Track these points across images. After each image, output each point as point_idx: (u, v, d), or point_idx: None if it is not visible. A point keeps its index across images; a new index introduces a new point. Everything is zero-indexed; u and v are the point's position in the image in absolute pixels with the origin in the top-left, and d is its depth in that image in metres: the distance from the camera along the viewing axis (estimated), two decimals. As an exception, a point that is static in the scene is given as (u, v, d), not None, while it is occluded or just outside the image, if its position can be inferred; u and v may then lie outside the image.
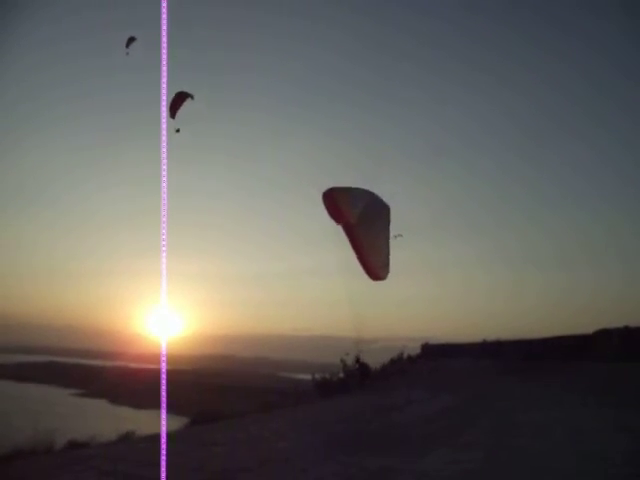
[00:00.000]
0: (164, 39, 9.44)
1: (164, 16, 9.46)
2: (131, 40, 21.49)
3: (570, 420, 17.64)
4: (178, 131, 19.66)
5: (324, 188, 12.45)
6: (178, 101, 19.19)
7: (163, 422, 9.11)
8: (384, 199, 12.83)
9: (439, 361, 48.21)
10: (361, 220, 11.95)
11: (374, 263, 12.23)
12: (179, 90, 19.36)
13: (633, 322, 42.25)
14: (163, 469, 8.51)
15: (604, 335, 41.40)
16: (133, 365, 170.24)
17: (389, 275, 12.47)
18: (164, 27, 9.48)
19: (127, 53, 21.64)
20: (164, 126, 9.67)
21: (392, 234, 12.53)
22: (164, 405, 8.90)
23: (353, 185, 12.53)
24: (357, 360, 12.38)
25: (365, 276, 12.29)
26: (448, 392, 27.46)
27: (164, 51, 9.42)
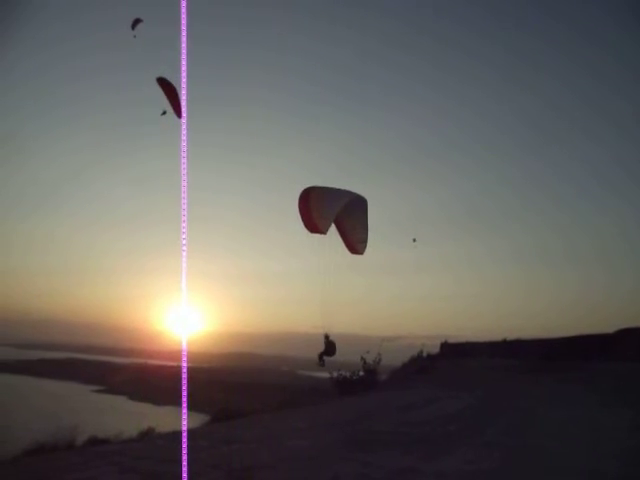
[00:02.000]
0: (183, 36, 9.45)
1: (183, 11, 9.48)
2: (137, 22, 21.34)
3: (590, 420, 17.54)
4: (164, 113, 19.56)
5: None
6: (172, 93, 18.96)
7: (184, 419, 9.16)
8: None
9: (458, 360, 48.00)
10: (337, 219, 12.98)
11: (353, 240, 13.66)
12: (160, 77, 19.04)
13: (655, 322, 41.95)
14: (184, 466, 8.56)
15: (625, 334, 41.05)
16: (153, 362, 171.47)
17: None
18: (183, 23, 9.49)
19: (134, 36, 21.50)
20: (184, 123, 9.71)
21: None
22: (185, 402, 8.94)
23: (351, 185, 13.61)
24: (326, 337, 13.07)
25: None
26: (467, 391, 27.36)
27: (183, 46, 9.43)
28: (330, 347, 13.58)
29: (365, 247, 13.96)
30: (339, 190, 13.33)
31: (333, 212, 12.68)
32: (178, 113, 18.64)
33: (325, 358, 14.04)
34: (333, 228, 13.22)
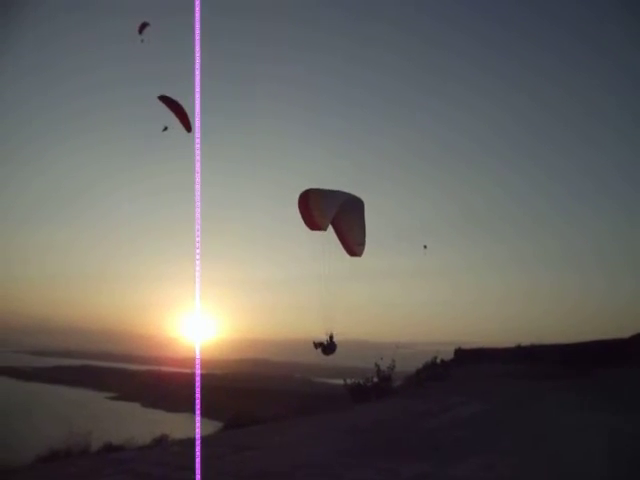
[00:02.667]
0: (197, 49, 9.49)
1: (197, 26, 9.52)
2: (144, 26, 21.10)
3: (606, 426, 17.36)
4: (166, 129, 19.59)
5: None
6: (177, 108, 19.02)
7: (197, 426, 9.15)
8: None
9: (473, 366, 47.81)
10: (335, 219, 13.24)
11: (351, 241, 13.92)
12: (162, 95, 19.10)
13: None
14: (198, 473, 8.55)
15: (640, 339, 40.75)
16: (166, 369, 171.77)
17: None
18: (197, 38, 9.53)
19: (142, 40, 21.24)
20: (197, 135, 9.74)
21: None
22: (198, 409, 8.94)
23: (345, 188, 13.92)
24: (330, 337, 13.38)
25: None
26: (482, 397, 27.22)
27: (197, 61, 9.47)
28: (331, 346, 13.79)
29: (363, 250, 14.26)
30: (337, 191, 13.78)
31: (332, 209, 13.12)
32: (187, 127, 18.70)
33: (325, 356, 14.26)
34: (332, 231, 13.56)
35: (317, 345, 13.70)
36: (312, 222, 12.77)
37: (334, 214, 13.04)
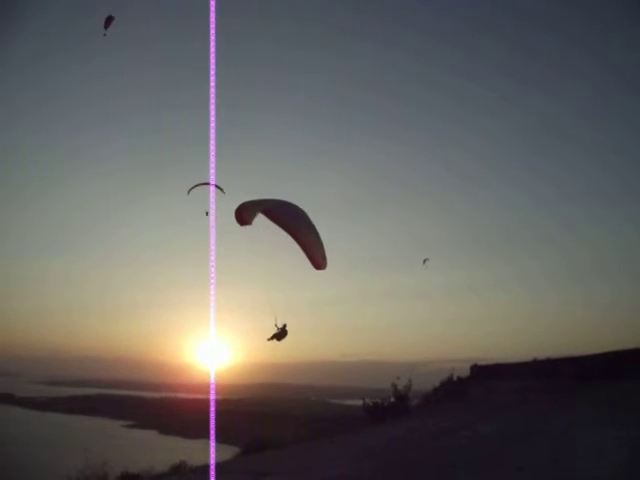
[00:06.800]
0: (212, 79, 9.64)
1: (212, 56, 9.64)
2: (109, 20, 20.92)
3: (629, 440, 17.14)
4: (207, 214, 20.18)
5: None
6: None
7: (212, 453, 9.12)
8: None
9: (489, 382, 47.44)
10: (272, 215, 13.76)
11: (316, 255, 14.27)
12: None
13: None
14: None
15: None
16: (182, 395, 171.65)
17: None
18: (212, 68, 9.70)
19: (105, 34, 21.07)
20: (212, 164, 9.84)
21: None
22: (213, 435, 8.92)
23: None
24: (284, 326, 13.84)
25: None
26: (499, 414, 26.99)
27: (212, 90, 9.61)
28: (281, 333, 14.30)
29: (326, 263, 14.63)
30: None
31: (258, 207, 13.65)
32: (218, 187, 19.44)
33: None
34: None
35: (270, 339, 14.15)
36: (240, 218, 13.35)
37: (260, 211, 13.58)
